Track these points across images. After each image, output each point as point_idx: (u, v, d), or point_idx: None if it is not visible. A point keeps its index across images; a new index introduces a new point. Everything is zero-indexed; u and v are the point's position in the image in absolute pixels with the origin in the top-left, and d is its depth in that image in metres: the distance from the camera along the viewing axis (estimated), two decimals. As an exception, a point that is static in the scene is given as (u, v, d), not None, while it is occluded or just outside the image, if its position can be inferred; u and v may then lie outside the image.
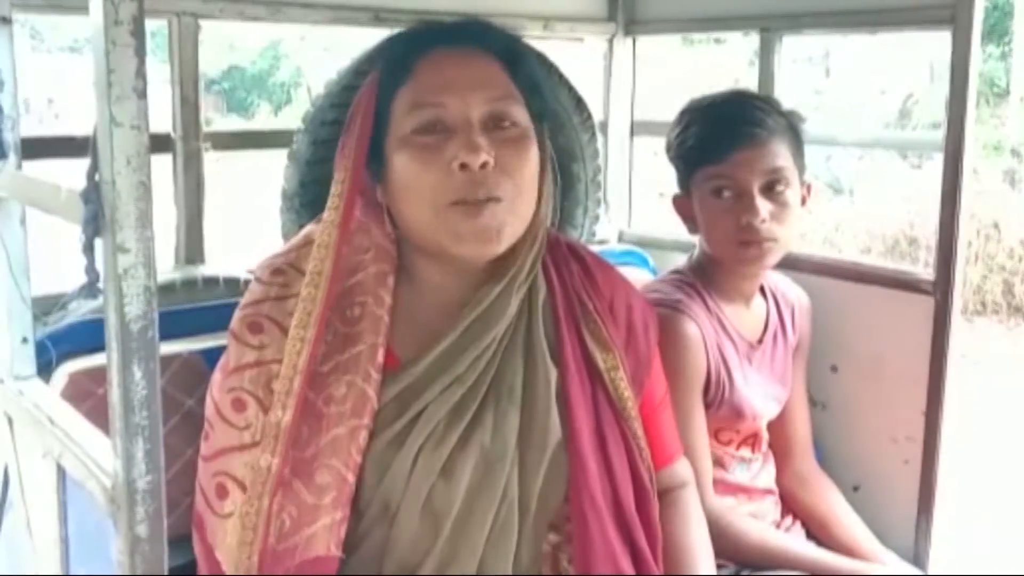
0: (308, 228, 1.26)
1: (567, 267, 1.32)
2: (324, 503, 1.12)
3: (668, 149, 1.72)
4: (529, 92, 1.25)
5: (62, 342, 1.44)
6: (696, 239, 1.71)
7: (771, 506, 1.73)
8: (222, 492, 1.13)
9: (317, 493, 1.12)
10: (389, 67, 1.23)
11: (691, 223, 1.69)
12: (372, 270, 1.22)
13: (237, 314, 1.19)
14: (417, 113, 1.18)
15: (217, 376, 1.19)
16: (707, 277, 1.68)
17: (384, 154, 1.21)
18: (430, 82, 1.19)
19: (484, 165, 1.14)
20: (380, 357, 1.18)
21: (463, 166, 1.14)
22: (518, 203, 1.19)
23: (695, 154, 1.65)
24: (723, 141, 1.60)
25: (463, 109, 1.17)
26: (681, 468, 1.41)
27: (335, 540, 1.12)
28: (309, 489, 1.12)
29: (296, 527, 1.11)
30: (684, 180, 1.69)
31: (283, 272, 1.20)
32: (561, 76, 1.72)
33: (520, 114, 1.21)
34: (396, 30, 1.37)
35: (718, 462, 1.65)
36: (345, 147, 1.22)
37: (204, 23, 1.74)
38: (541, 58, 1.53)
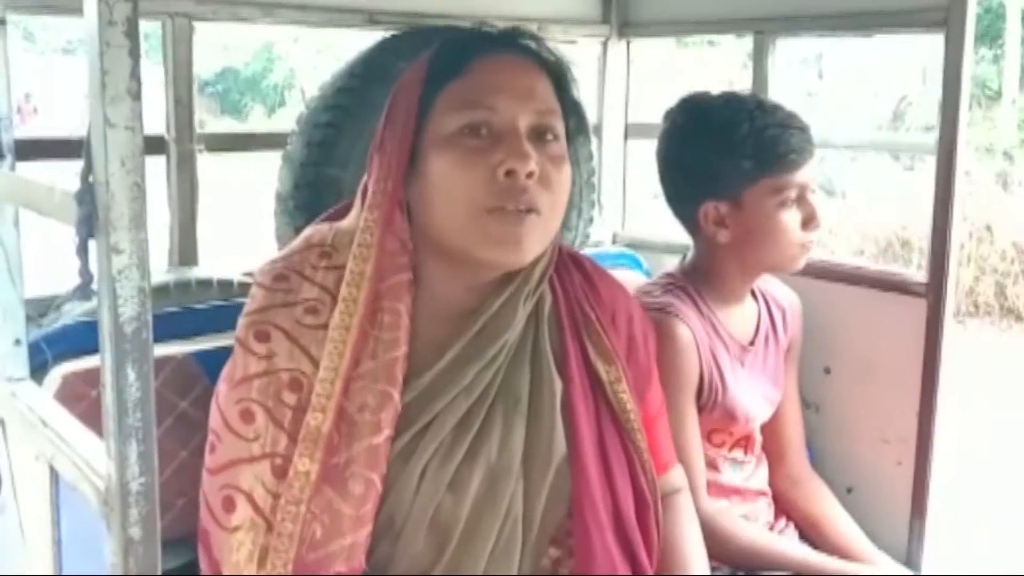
0: (308, 231, 1.23)
1: (569, 276, 1.30)
2: (357, 514, 1.09)
3: (712, 151, 1.60)
4: (570, 110, 1.24)
5: (56, 344, 1.44)
6: (691, 242, 1.71)
7: (764, 508, 1.73)
8: (229, 505, 1.09)
9: (350, 503, 1.08)
10: (439, 61, 1.20)
11: (724, 230, 1.62)
12: (403, 276, 1.18)
13: (242, 321, 1.16)
14: (466, 112, 1.15)
15: (223, 387, 1.15)
16: (700, 280, 1.67)
17: (417, 150, 1.17)
18: (484, 82, 1.17)
19: (530, 175, 1.12)
20: (406, 366, 1.15)
21: (509, 173, 1.12)
22: (551, 219, 1.18)
23: (765, 163, 1.58)
24: (796, 151, 1.59)
25: (512, 116, 1.15)
26: (676, 474, 1.41)
27: (365, 554, 1.10)
28: (343, 498, 1.08)
29: (328, 537, 1.08)
30: (734, 187, 1.59)
31: (286, 278, 1.17)
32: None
33: (561, 130, 1.20)
34: (389, 32, 1.36)
35: (711, 464, 1.65)
36: (385, 141, 1.19)
37: (198, 24, 1.74)
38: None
